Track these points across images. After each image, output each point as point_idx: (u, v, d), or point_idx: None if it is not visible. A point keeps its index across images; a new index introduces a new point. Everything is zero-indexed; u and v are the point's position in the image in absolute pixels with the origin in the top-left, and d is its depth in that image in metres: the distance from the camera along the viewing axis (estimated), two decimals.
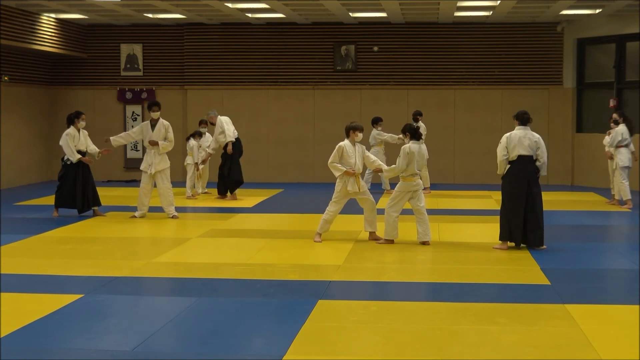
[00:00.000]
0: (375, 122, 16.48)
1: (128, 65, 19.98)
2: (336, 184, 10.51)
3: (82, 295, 7.48)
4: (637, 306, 7.04)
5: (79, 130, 12.94)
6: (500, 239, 10.09)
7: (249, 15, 17.92)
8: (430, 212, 11.38)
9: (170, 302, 7.49)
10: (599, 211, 14.00)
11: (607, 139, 14.67)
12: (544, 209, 10.15)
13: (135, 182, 18.12)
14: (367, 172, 15.42)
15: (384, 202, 10.98)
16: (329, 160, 10.45)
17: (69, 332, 6.36)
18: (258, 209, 14.33)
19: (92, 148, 13.11)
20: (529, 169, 9.86)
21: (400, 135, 11.39)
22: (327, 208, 10.55)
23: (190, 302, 7.26)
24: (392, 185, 13.48)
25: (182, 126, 19.22)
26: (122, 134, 13.50)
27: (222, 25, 19.47)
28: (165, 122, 12.88)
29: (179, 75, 19.83)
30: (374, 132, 16.37)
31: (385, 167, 10.95)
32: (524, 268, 8.87)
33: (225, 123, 15.22)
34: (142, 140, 13.41)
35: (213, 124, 15.40)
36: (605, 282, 8.52)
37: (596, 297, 7.64)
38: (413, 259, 9.54)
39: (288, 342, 5.98)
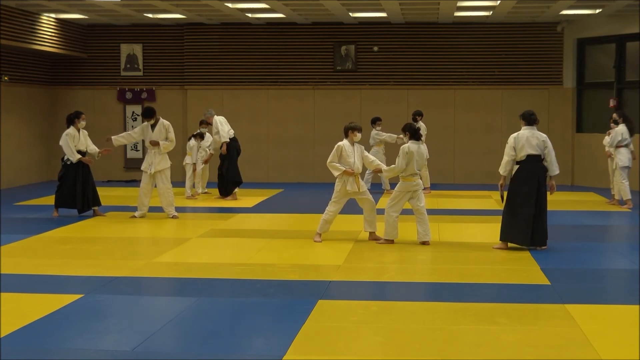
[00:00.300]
0: (374, 122, 16.48)
1: (128, 65, 19.98)
2: (335, 184, 10.52)
3: (82, 295, 7.48)
4: (637, 306, 7.04)
5: (79, 130, 12.94)
6: (500, 239, 10.08)
7: (249, 15, 17.92)
8: (430, 212, 11.38)
9: (170, 302, 7.49)
10: (599, 211, 14.00)
11: (607, 139, 14.68)
12: None
13: (135, 182, 18.13)
14: (367, 172, 15.42)
15: (384, 202, 10.98)
16: (328, 160, 10.46)
17: (69, 332, 6.36)
18: (258, 209, 14.33)
19: (92, 148, 13.11)
20: (538, 169, 9.86)
21: (400, 135, 11.40)
22: (327, 208, 10.55)
23: (190, 302, 7.26)
24: (392, 185, 13.48)
25: (182, 126, 19.22)
26: (124, 133, 13.51)
27: (222, 25, 19.47)
28: (166, 122, 12.88)
29: (179, 75, 19.84)
30: (373, 132, 16.37)
31: (384, 167, 10.95)
32: (524, 268, 8.87)
33: (220, 123, 15.21)
34: (143, 141, 13.41)
35: (210, 124, 15.42)
36: (605, 282, 8.53)
37: (596, 297, 7.64)
38: (413, 259, 9.54)
39: (288, 342, 5.98)
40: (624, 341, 6.08)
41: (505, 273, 8.64)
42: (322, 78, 19.52)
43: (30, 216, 13.17)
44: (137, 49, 19.90)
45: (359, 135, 10.52)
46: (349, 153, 10.39)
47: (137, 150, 19.83)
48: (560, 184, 19.34)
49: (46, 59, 19.58)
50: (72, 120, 12.95)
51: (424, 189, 12.50)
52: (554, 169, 9.90)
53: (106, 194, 14.77)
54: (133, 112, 19.88)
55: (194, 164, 15.85)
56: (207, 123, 15.84)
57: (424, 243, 10.27)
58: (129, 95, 19.94)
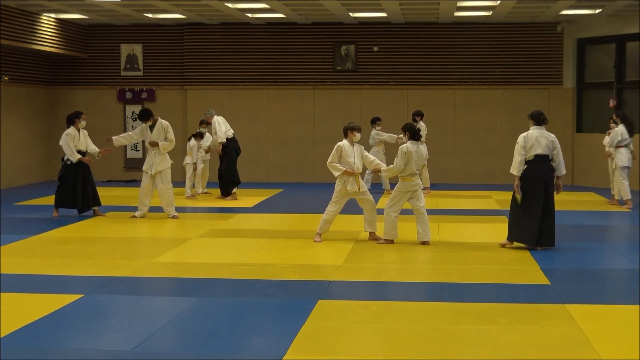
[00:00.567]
0: (374, 122, 16.48)
1: (128, 65, 19.98)
2: (336, 184, 10.52)
3: (82, 295, 7.48)
4: (637, 306, 7.04)
5: (79, 130, 12.94)
6: (507, 239, 10.13)
7: (249, 15, 17.92)
8: (430, 212, 11.38)
9: (170, 302, 7.49)
10: (599, 211, 14.00)
11: (607, 139, 14.68)
12: None
13: (135, 182, 18.14)
14: (367, 172, 15.42)
15: (384, 202, 10.97)
16: (328, 160, 10.46)
17: (69, 332, 6.35)
18: (258, 209, 14.33)
19: (92, 148, 13.11)
20: (546, 169, 9.87)
21: (400, 135, 11.40)
22: (327, 208, 10.55)
23: (190, 302, 7.26)
24: (393, 185, 13.48)
25: (182, 126, 19.22)
26: (124, 134, 13.53)
27: (222, 25, 19.47)
28: (164, 123, 12.88)
29: (179, 75, 19.84)
30: (373, 132, 16.37)
31: (384, 166, 10.95)
32: (524, 268, 8.87)
33: (218, 123, 15.21)
34: (143, 141, 13.43)
35: (210, 124, 15.44)
36: (605, 282, 8.52)
37: (596, 297, 7.64)
38: (413, 259, 9.54)
39: (288, 342, 5.98)
40: (624, 341, 6.08)
41: (505, 273, 8.64)
42: (322, 78, 19.52)
43: (30, 216, 13.17)
44: (137, 49, 19.91)
45: (358, 135, 10.52)
46: (349, 153, 10.39)
47: (137, 150, 19.83)
48: (562, 184, 19.36)
49: (46, 59, 19.58)
50: (72, 120, 12.95)
51: (424, 189, 12.50)
52: (562, 169, 9.96)
53: (106, 194, 14.77)
54: (133, 112, 19.87)
55: (194, 164, 15.85)
56: (207, 123, 15.85)
57: (424, 243, 10.27)
58: (129, 95, 19.95)
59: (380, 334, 6.26)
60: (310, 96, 19.56)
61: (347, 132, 10.52)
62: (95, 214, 13.12)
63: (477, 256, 9.58)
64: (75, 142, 12.84)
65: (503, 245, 10.11)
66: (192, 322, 6.70)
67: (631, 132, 14.30)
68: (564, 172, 10.03)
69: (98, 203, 13.19)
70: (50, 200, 13.78)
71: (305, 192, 17.39)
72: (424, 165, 10.85)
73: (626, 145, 14.24)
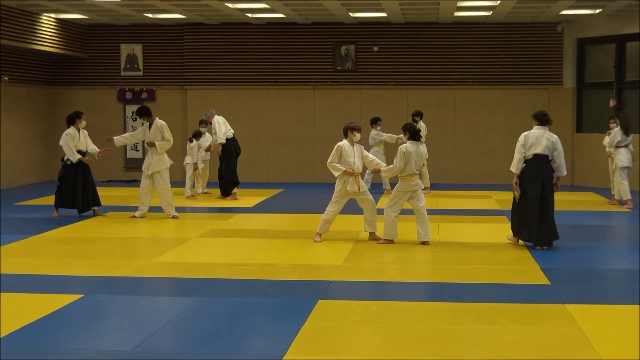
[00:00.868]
0: (374, 122, 16.47)
1: (128, 65, 19.98)
2: (336, 184, 10.52)
3: (82, 295, 7.48)
4: (637, 306, 7.05)
5: (79, 130, 12.94)
6: (514, 236, 10.29)
7: (249, 15, 17.92)
8: (430, 212, 11.38)
9: (170, 302, 7.49)
10: (599, 211, 14.00)
11: (607, 139, 14.68)
12: None
13: (135, 182, 18.13)
14: (367, 172, 15.42)
15: (384, 202, 10.97)
16: (328, 160, 10.46)
17: (69, 332, 6.36)
18: (258, 209, 14.33)
19: (92, 148, 13.12)
20: (544, 169, 9.89)
21: (400, 135, 11.40)
22: (327, 208, 10.55)
23: (190, 302, 7.26)
24: (393, 185, 13.48)
25: (182, 126, 19.23)
26: (126, 134, 13.56)
27: (222, 25, 19.47)
28: (160, 122, 12.86)
29: (179, 75, 19.84)
30: (373, 132, 16.37)
31: (384, 166, 10.95)
32: (524, 268, 8.87)
33: (218, 124, 15.21)
34: (143, 141, 13.44)
35: (210, 124, 15.44)
36: (605, 282, 8.52)
37: (596, 297, 7.64)
38: (413, 259, 9.54)
39: (288, 342, 5.98)
40: (624, 341, 6.08)
41: (505, 273, 8.64)
42: (322, 78, 19.52)
43: (30, 216, 13.17)
44: (137, 49, 19.90)
45: (358, 135, 10.52)
46: (349, 153, 10.39)
47: (137, 150, 19.84)
48: (561, 184, 19.37)
49: (46, 59, 19.58)
50: (72, 120, 12.95)
51: (424, 189, 12.50)
52: (562, 170, 10.00)
53: (106, 194, 14.78)
54: (133, 112, 19.85)
55: (195, 164, 15.85)
56: (207, 122, 15.85)
57: (424, 243, 10.27)
58: (129, 95, 19.95)
59: (380, 334, 6.26)
60: (310, 96, 19.56)
61: (347, 132, 10.52)
62: (95, 214, 13.12)
63: (477, 256, 9.59)
64: (75, 142, 12.84)
65: (511, 239, 10.28)
66: (192, 322, 6.70)
67: (627, 133, 14.28)
68: (565, 173, 10.05)
69: (98, 203, 13.20)
70: (50, 200, 13.79)
71: (305, 192, 17.39)
72: (424, 165, 10.86)
73: (626, 146, 14.25)
